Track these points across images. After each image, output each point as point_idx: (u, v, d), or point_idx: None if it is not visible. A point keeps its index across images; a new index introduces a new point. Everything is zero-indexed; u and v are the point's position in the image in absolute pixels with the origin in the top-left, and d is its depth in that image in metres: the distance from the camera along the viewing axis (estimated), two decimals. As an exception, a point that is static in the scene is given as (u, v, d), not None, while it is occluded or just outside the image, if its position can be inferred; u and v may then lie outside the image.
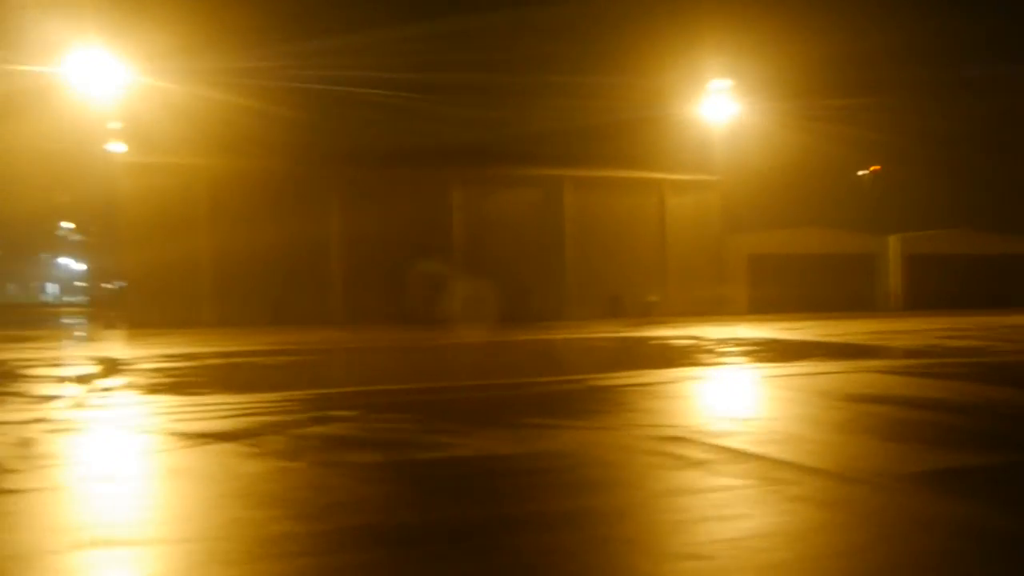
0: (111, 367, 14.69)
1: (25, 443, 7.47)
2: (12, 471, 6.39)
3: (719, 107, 35.93)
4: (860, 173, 48.96)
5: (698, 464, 6.23)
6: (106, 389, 11.59)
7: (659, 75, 34.07)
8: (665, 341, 19.88)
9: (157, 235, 29.62)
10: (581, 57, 35.13)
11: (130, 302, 30.52)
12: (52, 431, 8.14)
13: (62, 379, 12.99)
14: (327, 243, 31.43)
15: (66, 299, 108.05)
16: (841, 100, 37.44)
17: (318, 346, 20.29)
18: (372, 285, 31.53)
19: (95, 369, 14.42)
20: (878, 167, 47.41)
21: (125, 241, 30.34)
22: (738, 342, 19.23)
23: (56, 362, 15.98)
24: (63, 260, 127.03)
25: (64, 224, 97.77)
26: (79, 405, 10.08)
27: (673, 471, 6.06)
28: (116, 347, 19.59)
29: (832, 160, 43.85)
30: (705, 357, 15.60)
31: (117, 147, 31.19)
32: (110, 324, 29.72)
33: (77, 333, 26.86)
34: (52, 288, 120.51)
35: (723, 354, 16.20)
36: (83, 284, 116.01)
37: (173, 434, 7.94)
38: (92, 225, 35.14)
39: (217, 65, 29.11)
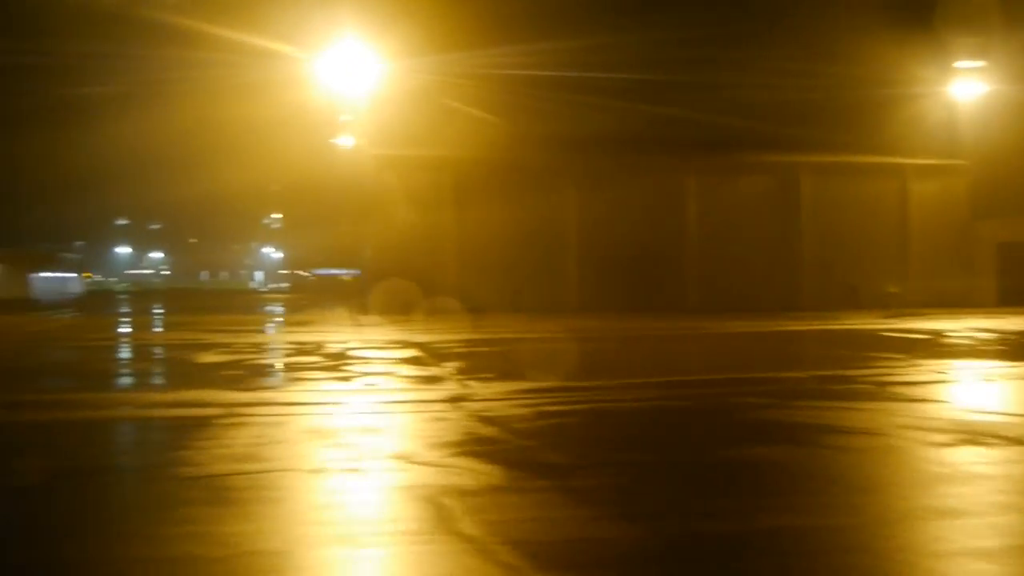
0: (429, 350, 15.28)
1: (520, 419, 7.76)
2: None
3: (966, 88, 33.72)
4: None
5: None
6: (461, 371, 12.00)
7: (903, 54, 32.16)
8: (968, 335, 18.78)
9: (403, 225, 30.77)
10: (819, 36, 33.59)
11: (374, 289, 31.80)
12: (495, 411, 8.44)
13: (401, 361, 13.61)
14: (564, 231, 31.72)
15: (271, 286, 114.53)
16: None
17: (593, 334, 20.39)
18: (606, 273, 31.59)
19: (417, 352, 15.02)
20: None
21: (372, 230, 31.62)
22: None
23: (369, 345, 16.77)
24: (263, 249, 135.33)
25: (274, 215, 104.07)
26: (468, 387, 10.45)
27: None
28: (399, 331, 20.41)
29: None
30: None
31: (359, 140, 32.63)
32: (363, 310, 31.15)
33: (342, 317, 28.27)
34: (259, 276, 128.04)
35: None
36: (285, 272, 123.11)
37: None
38: (341, 215, 36.75)
39: (461, 58, 29.79)
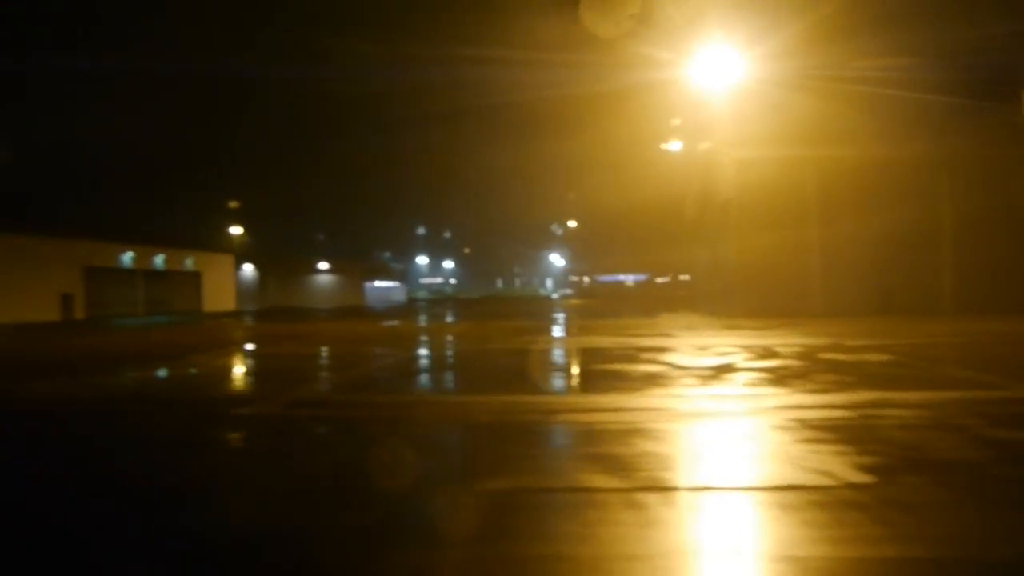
0: (897, 352, 14.87)
1: None
2: None
3: None
4: None
5: None
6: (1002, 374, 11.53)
7: None
8: None
9: (764, 227, 30.47)
10: None
11: (735, 292, 31.69)
12: None
13: (895, 364, 13.32)
14: (937, 228, 30.04)
15: (561, 292, 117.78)
16: None
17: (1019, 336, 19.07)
18: (985, 271, 29.56)
19: (889, 356, 14.67)
20: None
21: (732, 234, 31.50)
22: None
23: (817, 348, 16.62)
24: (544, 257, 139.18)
25: (569, 223, 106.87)
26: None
27: None
28: (806, 335, 20.11)
29: None
30: None
31: (718, 143, 32.66)
32: (722, 313, 31.19)
33: (702, 321, 28.42)
34: (549, 283, 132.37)
35: None
36: (575, 279, 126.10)
37: None
38: (662, 220, 36.93)
39: (825, 60, 28.99)
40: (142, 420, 9.31)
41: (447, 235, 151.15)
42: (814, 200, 30.35)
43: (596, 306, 53.34)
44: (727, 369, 13.10)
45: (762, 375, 12.25)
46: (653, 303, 57.14)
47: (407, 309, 56.52)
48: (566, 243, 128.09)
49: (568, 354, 16.60)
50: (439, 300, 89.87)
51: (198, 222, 69.84)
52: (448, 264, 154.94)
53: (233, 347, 21.10)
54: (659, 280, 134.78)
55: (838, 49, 29.24)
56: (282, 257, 74.77)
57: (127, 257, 50.30)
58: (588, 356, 15.99)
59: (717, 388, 10.73)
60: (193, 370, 15.54)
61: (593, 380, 11.94)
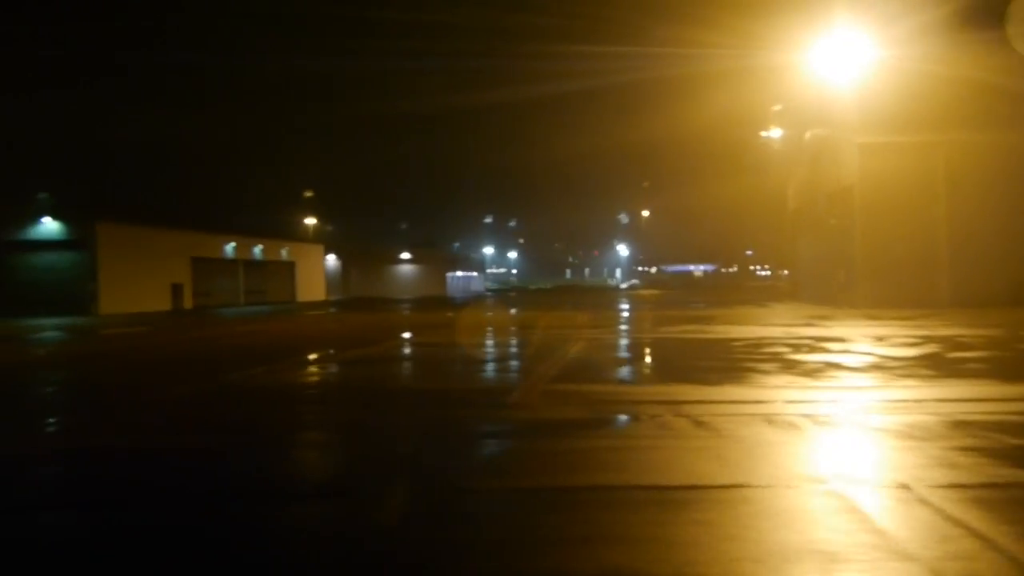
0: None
1: None
2: None
3: None
4: None
5: None
6: None
7: None
8: None
9: (889, 215, 30.08)
10: None
11: (857, 282, 31.29)
12: None
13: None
14: (1075, 218, 29.37)
15: (631, 283, 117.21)
16: None
17: None
18: None
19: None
20: None
21: (857, 222, 31.06)
22: None
23: (1008, 340, 16.48)
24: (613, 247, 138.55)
25: (643, 212, 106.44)
26: None
27: None
28: (960, 325, 19.91)
29: None
30: None
31: (842, 129, 32.28)
32: (840, 303, 31.00)
33: (843, 311, 28.22)
34: (618, 273, 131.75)
35: None
36: (642, 269, 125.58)
37: None
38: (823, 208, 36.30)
39: (954, 40, 28.44)
40: (436, 411, 9.48)
41: (512, 223, 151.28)
42: (942, 187, 29.84)
43: (687, 296, 52.96)
44: (942, 359, 13.01)
45: (991, 366, 12.21)
46: (744, 293, 56.63)
47: (499, 299, 56.70)
48: (633, 233, 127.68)
49: (752, 344, 16.56)
50: (517, 290, 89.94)
51: (285, 213, 71.02)
52: (512, 254, 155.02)
53: (397, 338, 21.47)
54: (726, 271, 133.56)
55: (971, 33, 28.71)
56: (365, 247, 75.65)
57: (230, 247, 51.37)
58: (774, 346, 15.97)
59: (978, 380, 10.66)
60: (398, 361, 15.95)
61: (825, 371, 11.90)
